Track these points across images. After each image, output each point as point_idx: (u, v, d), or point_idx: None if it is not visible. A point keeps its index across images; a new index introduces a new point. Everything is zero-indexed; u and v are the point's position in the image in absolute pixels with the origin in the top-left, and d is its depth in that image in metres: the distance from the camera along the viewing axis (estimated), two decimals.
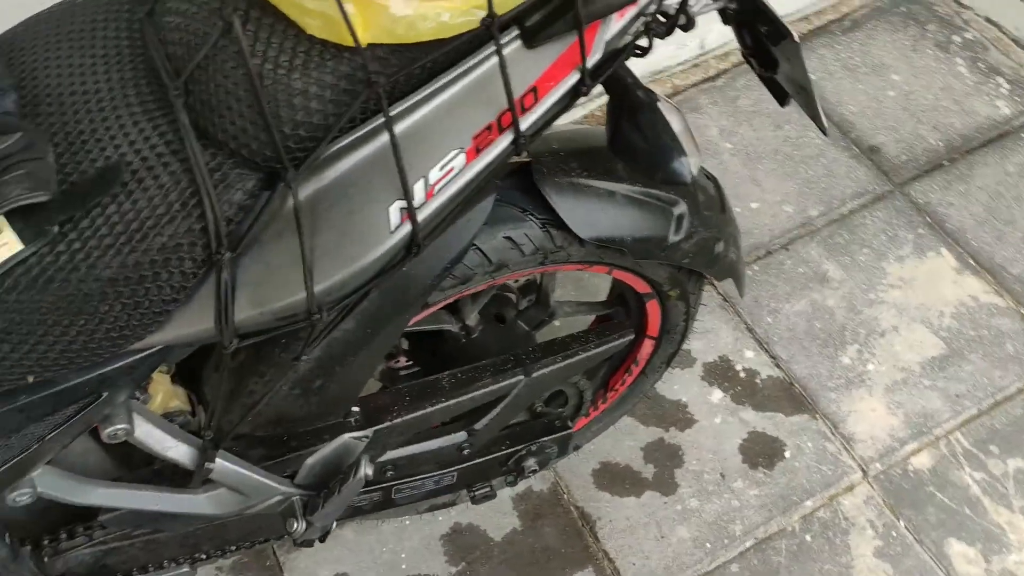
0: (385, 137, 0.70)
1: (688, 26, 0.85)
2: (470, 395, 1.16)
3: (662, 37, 0.86)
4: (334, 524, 1.09)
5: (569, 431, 1.31)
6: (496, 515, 1.63)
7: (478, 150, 0.76)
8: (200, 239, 0.70)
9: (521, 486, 1.66)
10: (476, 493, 1.32)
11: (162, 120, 0.70)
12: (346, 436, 1.02)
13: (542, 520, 1.63)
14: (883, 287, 1.90)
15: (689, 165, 0.86)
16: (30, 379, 0.73)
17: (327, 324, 0.84)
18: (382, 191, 0.74)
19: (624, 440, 1.72)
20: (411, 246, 0.76)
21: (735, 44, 1.01)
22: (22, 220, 0.66)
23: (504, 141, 0.78)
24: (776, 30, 0.89)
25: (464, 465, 1.24)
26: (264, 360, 1.02)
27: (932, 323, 1.83)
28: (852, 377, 1.78)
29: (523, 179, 1.10)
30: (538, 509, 1.64)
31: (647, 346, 1.46)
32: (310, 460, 1.02)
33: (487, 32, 0.70)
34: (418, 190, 0.75)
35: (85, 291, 0.68)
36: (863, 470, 1.67)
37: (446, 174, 0.76)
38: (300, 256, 0.71)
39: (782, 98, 1.01)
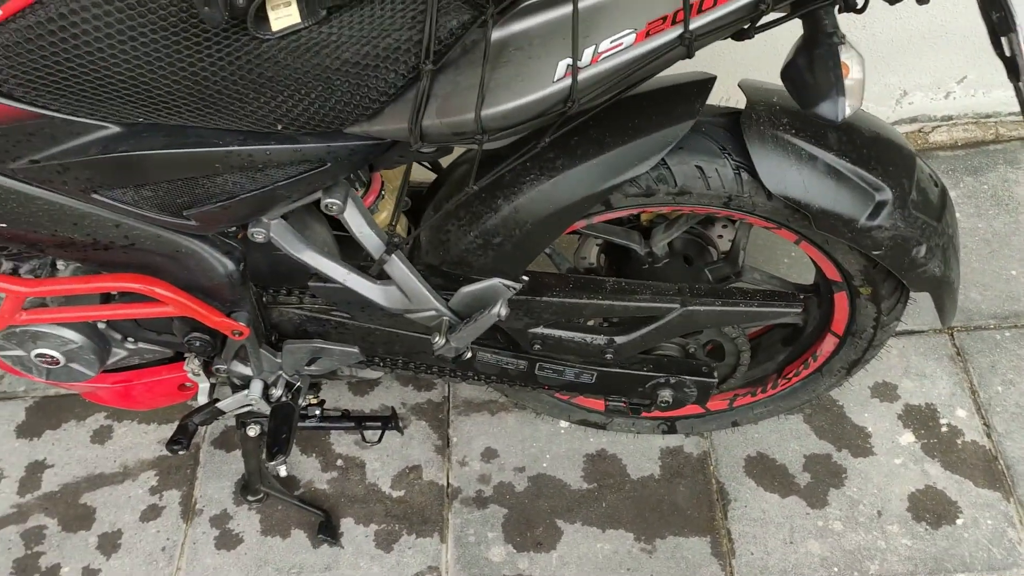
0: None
1: None
2: (625, 303, 1.27)
3: None
4: (468, 352, 1.27)
5: (712, 380, 1.36)
6: (641, 457, 1.72)
7: (648, 34, 0.88)
8: (415, 49, 0.90)
9: (673, 440, 1.73)
10: (610, 404, 1.42)
11: None
12: (497, 280, 1.19)
13: (681, 479, 1.69)
14: None
15: (843, 106, 0.89)
16: (279, 127, 0.98)
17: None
18: (558, 47, 0.88)
19: (790, 441, 1.71)
20: (567, 99, 0.90)
21: None
22: (304, 0, 0.90)
23: (673, 33, 0.88)
24: (1005, 19, 0.88)
25: (604, 369, 1.36)
26: (464, 207, 1.22)
27: None
28: None
29: (732, 121, 1.18)
30: (681, 468, 1.70)
31: (829, 342, 1.45)
32: (465, 289, 1.20)
33: None
34: (587, 54, 0.88)
35: (328, 64, 0.91)
36: None
37: (614, 46, 0.88)
38: (481, 82, 0.88)
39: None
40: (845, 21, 0.97)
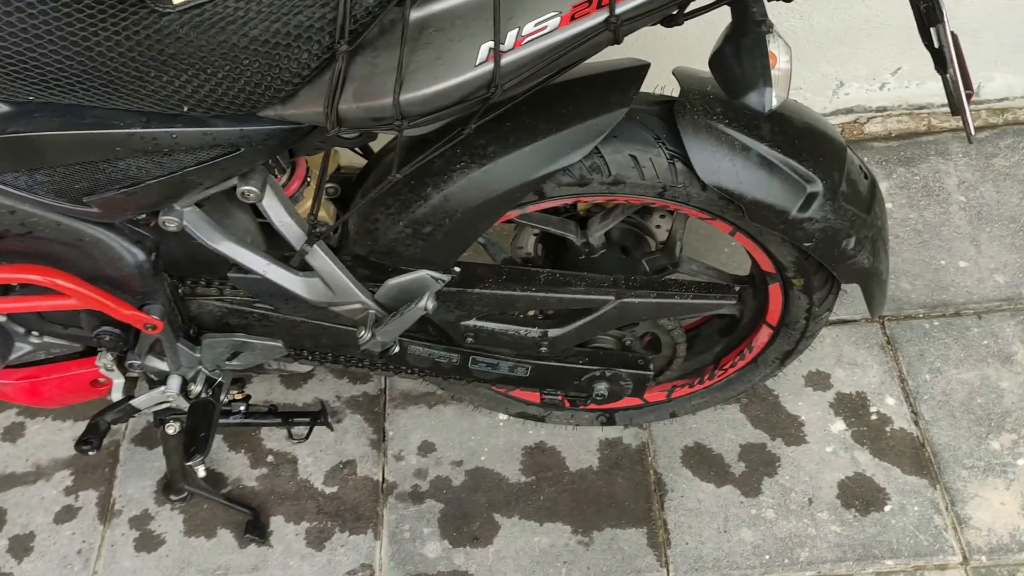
0: None
1: None
2: (559, 295, 1.24)
3: None
4: (396, 346, 1.23)
5: (648, 373, 1.34)
6: (580, 450, 1.70)
7: (573, 18, 0.84)
8: (329, 28, 0.85)
9: (612, 432, 1.71)
10: (546, 397, 1.39)
11: None
12: (424, 272, 1.15)
13: (619, 471, 1.67)
14: None
15: (770, 97, 0.87)
16: (185, 108, 0.92)
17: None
18: (480, 29, 0.84)
19: (726, 431, 1.70)
20: (490, 85, 0.86)
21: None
22: None
23: (599, 17, 0.84)
24: (933, 10, 0.87)
25: (539, 362, 1.32)
26: (392, 195, 1.17)
27: None
28: (995, 464, 1.63)
29: (666, 110, 1.15)
30: (620, 460, 1.68)
31: (764, 333, 1.45)
32: (392, 281, 1.16)
33: None
34: (510, 37, 0.84)
35: (234, 42, 0.85)
36: (964, 556, 1.53)
37: (538, 30, 0.84)
38: (400, 65, 0.84)
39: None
40: (783, 10, 0.95)
